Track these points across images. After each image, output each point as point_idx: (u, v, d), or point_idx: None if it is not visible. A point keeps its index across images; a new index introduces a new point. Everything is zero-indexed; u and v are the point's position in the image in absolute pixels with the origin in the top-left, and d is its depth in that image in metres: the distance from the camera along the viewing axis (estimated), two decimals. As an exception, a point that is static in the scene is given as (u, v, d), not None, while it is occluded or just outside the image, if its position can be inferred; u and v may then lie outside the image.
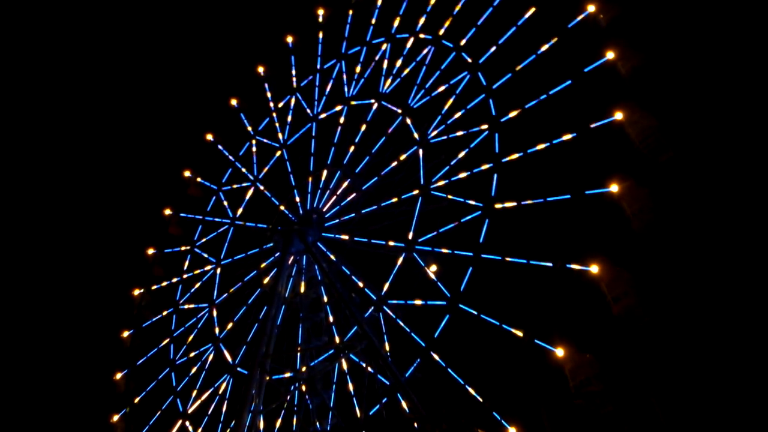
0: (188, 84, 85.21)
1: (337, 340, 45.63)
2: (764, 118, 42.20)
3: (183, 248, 58.02)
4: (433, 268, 41.92)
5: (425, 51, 48.98)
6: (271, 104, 58.34)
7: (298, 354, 46.24)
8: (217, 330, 52.03)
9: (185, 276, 56.54)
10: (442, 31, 48.39)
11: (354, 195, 48.23)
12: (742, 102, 43.61)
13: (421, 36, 49.79)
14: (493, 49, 44.51)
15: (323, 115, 54.40)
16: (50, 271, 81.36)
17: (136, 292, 57.77)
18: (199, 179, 59.78)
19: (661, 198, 35.35)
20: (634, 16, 39.04)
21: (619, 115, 36.79)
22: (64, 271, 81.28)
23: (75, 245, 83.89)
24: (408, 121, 47.63)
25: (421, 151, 45.74)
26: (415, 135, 46.65)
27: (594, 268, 35.15)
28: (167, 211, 59.55)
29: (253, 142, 58.34)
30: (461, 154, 43.34)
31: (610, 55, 38.23)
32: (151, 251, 58.88)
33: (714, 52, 45.14)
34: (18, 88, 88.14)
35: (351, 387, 43.98)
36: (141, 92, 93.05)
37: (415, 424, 37.91)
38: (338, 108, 53.26)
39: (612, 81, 38.23)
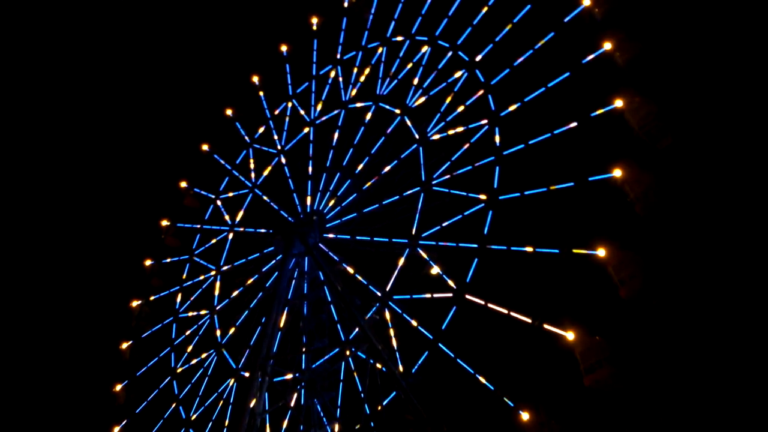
0: (184, 95, 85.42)
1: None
2: (761, 102, 43.08)
3: (181, 257, 57.74)
4: (436, 269, 41.97)
5: (422, 52, 49.49)
6: (267, 111, 58.56)
7: (304, 356, 45.99)
8: (218, 334, 51.65)
9: (184, 285, 56.20)
10: (437, 32, 48.98)
11: (355, 195, 48.37)
12: (739, 87, 44.52)
13: (417, 38, 50.36)
14: (490, 46, 45.13)
15: (320, 120, 54.64)
16: (48, 283, 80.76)
17: (135, 303, 57.31)
18: (195, 190, 59.64)
19: (664, 181, 35.87)
20: (628, 6, 39.83)
21: (618, 103, 37.38)
22: (62, 283, 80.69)
23: (72, 257, 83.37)
24: (407, 120, 48.00)
25: (421, 149, 46.09)
26: (415, 134, 47.00)
27: (601, 252, 35.46)
28: (164, 222, 59.27)
29: (250, 149, 58.39)
30: (462, 149, 43.70)
31: (607, 46, 38.93)
32: (148, 262, 58.58)
33: (709, 38, 46.14)
34: (16, 98, 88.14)
35: (354, 387, 43.90)
36: (136, 103, 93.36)
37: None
38: (335, 112, 53.59)
39: (610, 72, 38.93)
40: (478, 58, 45.67)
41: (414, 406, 38.68)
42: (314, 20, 58.51)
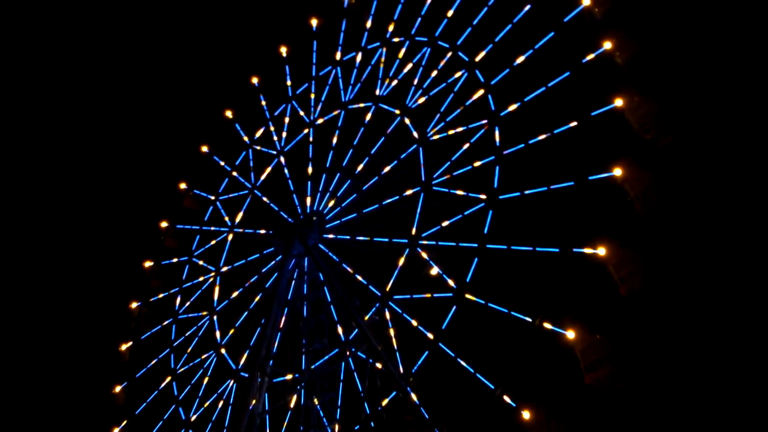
0: (183, 96, 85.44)
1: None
2: (761, 102, 43.17)
3: (181, 259, 57.67)
4: (436, 269, 41.89)
5: (421, 52, 49.57)
6: (267, 113, 58.59)
7: (303, 356, 45.92)
8: (218, 335, 51.57)
9: (184, 286, 56.14)
10: (437, 33, 49.04)
11: (354, 195, 48.36)
12: (739, 86, 44.61)
13: (417, 38, 50.43)
14: (490, 46, 45.15)
15: (320, 121, 54.71)
16: (48, 284, 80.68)
17: (134, 304, 57.24)
18: (194, 191, 59.60)
19: (664, 180, 35.90)
20: (628, 6, 39.88)
21: (618, 102, 37.36)
22: (62, 284, 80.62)
23: (72, 258, 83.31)
24: (407, 121, 48.03)
25: (421, 149, 46.11)
26: (415, 134, 47.03)
27: (601, 250, 35.46)
28: (163, 224, 59.23)
29: (250, 150, 58.40)
30: (462, 149, 43.71)
31: (606, 45, 38.92)
32: (148, 264, 58.51)
33: (709, 37, 46.23)
34: (16, 98, 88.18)
35: (353, 388, 43.90)
36: (136, 105, 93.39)
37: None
38: (335, 113, 53.64)
39: (610, 71, 38.93)
40: (478, 58, 45.70)
41: (414, 406, 38.56)
42: (314, 21, 58.57)
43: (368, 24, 54.54)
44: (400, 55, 51.16)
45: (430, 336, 40.22)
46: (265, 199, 54.73)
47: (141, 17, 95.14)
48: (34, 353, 75.81)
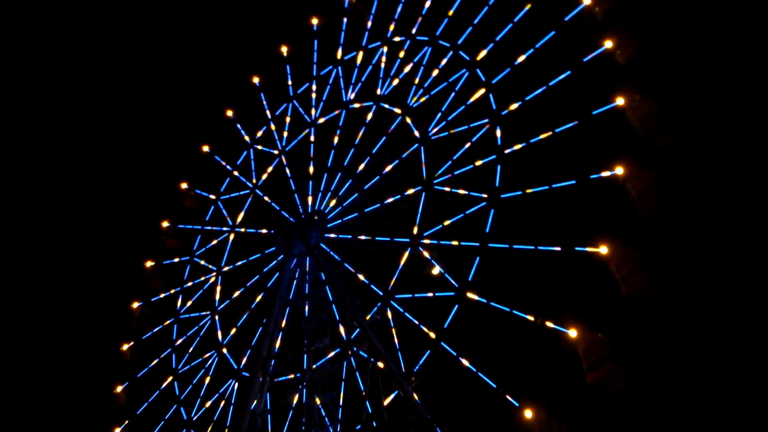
0: (184, 96, 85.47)
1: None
2: (761, 100, 43.22)
3: (182, 259, 57.70)
4: (436, 269, 41.88)
5: (422, 52, 49.63)
6: (268, 112, 58.63)
7: (304, 356, 45.96)
8: (219, 335, 51.62)
9: (185, 286, 56.18)
10: (438, 32, 49.07)
11: (356, 195, 48.41)
12: (739, 85, 44.67)
13: (418, 38, 50.46)
14: (491, 45, 45.17)
15: (321, 120, 54.75)
16: (49, 285, 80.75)
17: (135, 304, 57.27)
18: (195, 191, 59.63)
19: (665, 179, 35.92)
20: (629, 5, 39.91)
21: (619, 101, 37.37)
22: (63, 284, 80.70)
23: (73, 258, 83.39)
24: (408, 120, 48.06)
25: (422, 149, 46.14)
26: (416, 133, 47.05)
27: (602, 249, 35.44)
28: (165, 224, 59.28)
29: (251, 150, 58.45)
30: (464, 148, 43.75)
31: (607, 44, 38.91)
32: (149, 263, 58.56)
33: (710, 36, 46.30)
34: (16, 98, 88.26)
35: (355, 387, 43.93)
36: (137, 105, 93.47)
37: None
38: (336, 112, 53.67)
39: (611, 70, 38.94)
40: (479, 57, 45.70)
41: (415, 406, 38.57)
42: (314, 21, 58.57)
43: (369, 23, 54.61)
44: (401, 54, 51.25)
45: (432, 335, 40.25)
46: (266, 198, 54.81)
47: (142, 17, 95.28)
48: (35, 353, 75.97)
